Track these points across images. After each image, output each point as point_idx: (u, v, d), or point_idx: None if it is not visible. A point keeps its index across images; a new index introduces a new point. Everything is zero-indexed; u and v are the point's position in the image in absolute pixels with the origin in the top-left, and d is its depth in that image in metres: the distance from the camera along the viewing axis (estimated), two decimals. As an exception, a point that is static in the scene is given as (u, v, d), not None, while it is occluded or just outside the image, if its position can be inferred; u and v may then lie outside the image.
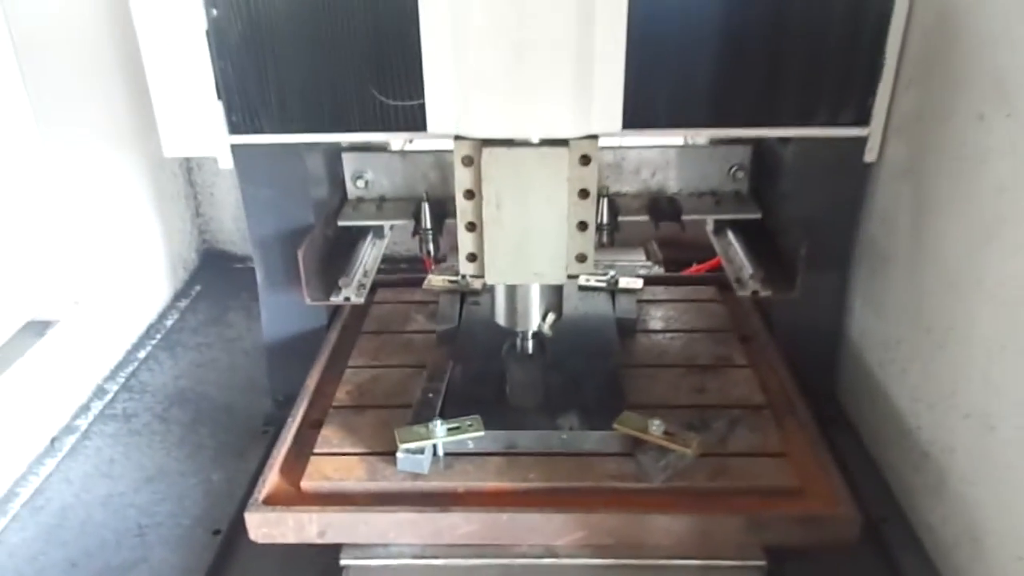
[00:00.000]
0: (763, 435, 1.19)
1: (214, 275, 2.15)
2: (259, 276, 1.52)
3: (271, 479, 1.14)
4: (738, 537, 1.06)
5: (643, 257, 2.08)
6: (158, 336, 1.86)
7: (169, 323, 1.92)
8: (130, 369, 1.73)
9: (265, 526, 1.09)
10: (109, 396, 1.64)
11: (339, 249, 1.54)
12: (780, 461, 1.14)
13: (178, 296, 2.03)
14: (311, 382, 1.37)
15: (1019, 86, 1.02)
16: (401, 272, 2.08)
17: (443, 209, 1.48)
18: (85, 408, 1.59)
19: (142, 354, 1.79)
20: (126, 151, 1.82)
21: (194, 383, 1.71)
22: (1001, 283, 1.05)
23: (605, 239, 1.46)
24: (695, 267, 2.08)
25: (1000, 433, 1.06)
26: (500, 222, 1.16)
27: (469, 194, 1.17)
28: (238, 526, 1.28)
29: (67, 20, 1.61)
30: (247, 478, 1.35)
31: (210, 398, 1.67)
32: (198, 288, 2.08)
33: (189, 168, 2.13)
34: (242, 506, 1.22)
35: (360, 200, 1.59)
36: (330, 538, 1.08)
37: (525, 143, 1.13)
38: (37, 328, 1.53)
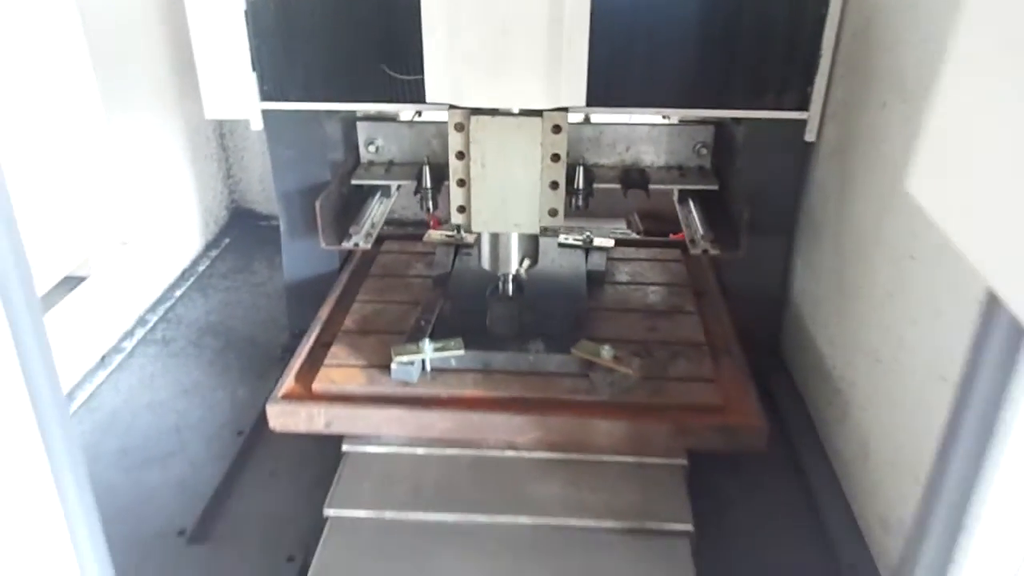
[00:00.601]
0: (698, 365, 1.43)
1: (241, 230, 2.39)
2: (282, 225, 1.76)
3: (288, 381, 1.39)
4: (666, 441, 1.29)
5: (624, 226, 2.30)
6: (192, 279, 2.11)
7: (201, 268, 2.17)
8: (168, 304, 1.98)
9: (282, 416, 1.34)
10: (150, 325, 1.89)
11: (352, 204, 1.78)
12: (709, 385, 1.38)
13: (209, 247, 2.28)
14: (323, 312, 1.61)
15: (914, 78, 1.24)
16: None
17: (442, 173, 1.71)
18: (129, 333, 1.85)
19: (178, 293, 2.04)
20: (169, 116, 2.06)
21: (223, 318, 1.97)
22: (893, 243, 1.27)
23: (580, 203, 1.70)
24: (671, 237, 2.30)
25: (884, 365, 1.28)
26: (485, 179, 1.39)
27: (460, 155, 1.40)
28: (258, 428, 1.53)
29: (126, 2, 1.85)
30: (266, 393, 1.60)
31: (236, 330, 1.92)
32: (227, 241, 2.33)
33: (222, 134, 2.36)
34: (262, 413, 1.48)
35: (371, 163, 1.82)
36: (334, 429, 1.33)
37: (507, 113, 1.36)
38: (92, 263, 1.78)
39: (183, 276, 2.11)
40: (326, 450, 1.38)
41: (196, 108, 2.17)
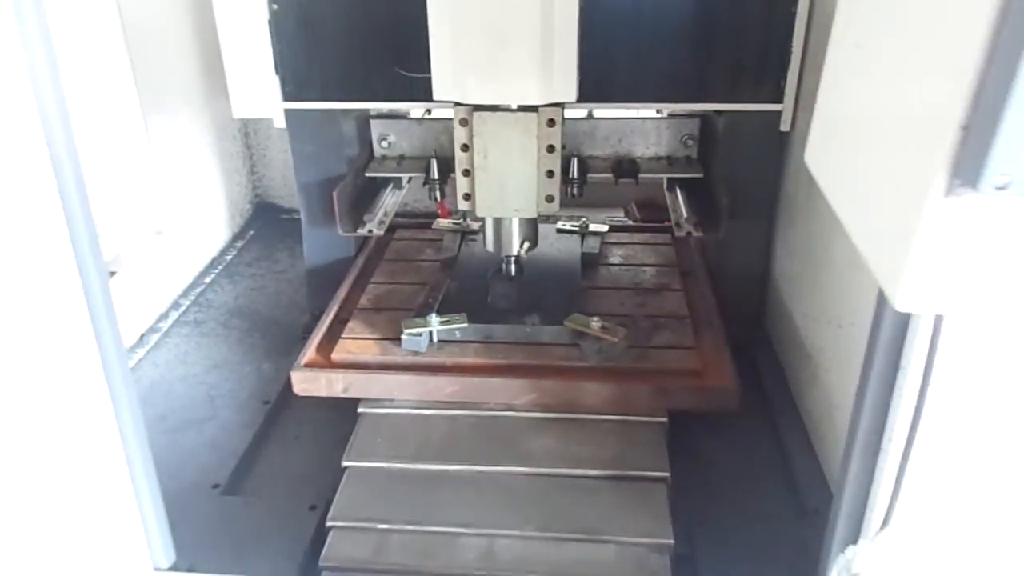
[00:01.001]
0: (680, 336, 1.57)
1: (264, 223, 2.56)
2: (302, 214, 1.92)
3: (309, 352, 1.55)
4: (648, 401, 1.44)
5: (622, 215, 2.45)
6: (220, 267, 2.28)
7: (228, 258, 2.34)
8: (199, 290, 2.15)
9: (304, 382, 1.50)
10: (183, 308, 2.06)
11: (366, 195, 1.93)
12: (689, 352, 1.52)
13: (235, 238, 2.45)
14: (341, 292, 1.77)
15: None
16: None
17: (449, 165, 1.86)
18: (164, 315, 2.02)
19: (208, 279, 2.21)
20: (198, 117, 2.23)
21: (249, 302, 2.13)
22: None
23: (575, 191, 1.85)
24: (666, 224, 2.44)
25: (844, 331, 1.41)
26: (487, 169, 1.53)
27: (464, 147, 1.54)
28: (283, 398, 1.69)
29: (161, 12, 2.02)
30: (289, 367, 1.75)
31: (261, 313, 2.08)
32: (251, 233, 2.50)
33: (246, 133, 2.53)
34: (286, 384, 1.64)
35: (384, 158, 1.97)
36: (351, 393, 1.49)
37: (506, 109, 1.48)
38: (124, 255, 1.95)
39: (212, 264, 2.28)
40: (343, 420, 1.52)
41: (223, 109, 2.35)
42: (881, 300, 0.81)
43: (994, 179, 0.51)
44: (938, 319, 0.70)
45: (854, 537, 0.93)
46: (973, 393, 0.78)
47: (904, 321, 0.74)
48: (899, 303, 0.62)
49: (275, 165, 2.59)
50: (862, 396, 0.83)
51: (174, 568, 1.16)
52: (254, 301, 2.14)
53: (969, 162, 0.52)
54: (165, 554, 1.15)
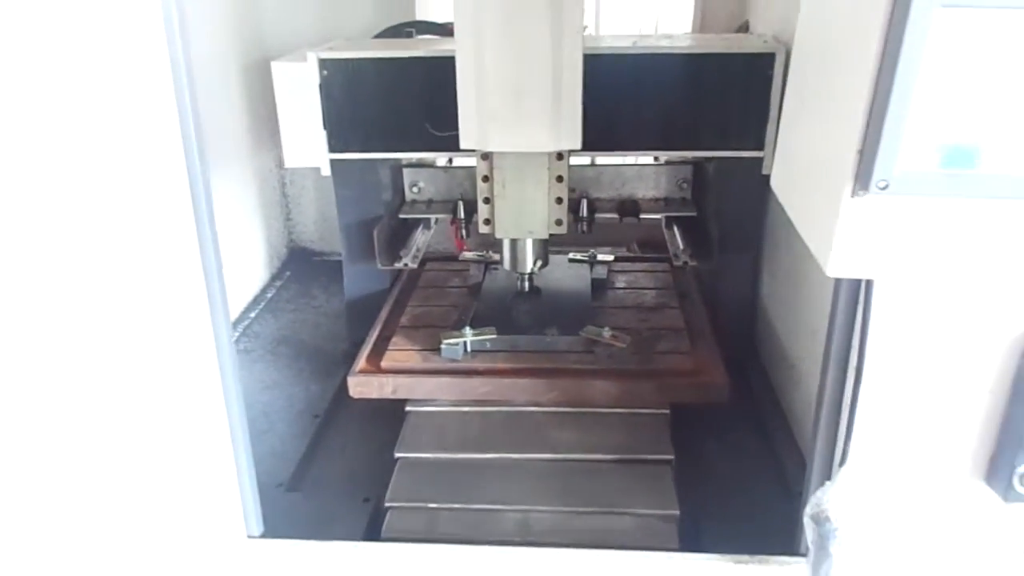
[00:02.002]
0: (678, 343, 1.82)
1: (299, 265, 2.81)
2: (344, 251, 2.16)
3: (361, 361, 1.80)
4: (652, 396, 1.68)
5: (625, 251, 2.72)
6: (262, 304, 2.53)
7: (269, 295, 2.59)
8: (246, 323, 2.40)
9: (359, 386, 1.74)
10: (234, 338, 2.31)
11: (400, 235, 2.20)
12: (685, 356, 1.77)
13: (274, 278, 2.70)
14: (382, 315, 2.02)
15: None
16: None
17: (472, 207, 2.13)
18: (219, 345, 2.26)
19: (253, 314, 2.46)
20: (245, 168, 2.51)
21: (292, 333, 2.37)
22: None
23: (585, 228, 2.12)
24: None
25: (819, 338, 1.66)
26: (505, 197, 1.76)
27: (485, 179, 1.77)
28: (331, 412, 1.92)
29: (216, 77, 2.31)
30: (334, 387, 1.99)
31: (304, 342, 2.32)
32: (288, 273, 2.76)
33: (284, 183, 2.81)
34: (334, 400, 1.89)
35: (414, 201, 2.23)
36: (399, 395, 1.73)
37: None
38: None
39: (255, 301, 2.53)
40: (386, 430, 1.72)
41: (265, 161, 2.65)
42: (837, 288, 1.08)
43: (878, 183, 0.77)
44: (868, 285, 0.96)
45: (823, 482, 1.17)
46: (900, 345, 1.03)
47: (853, 293, 1.00)
48: (830, 270, 0.88)
49: (308, 213, 2.86)
50: (827, 359, 1.08)
51: (264, 536, 1.39)
52: (297, 332, 2.38)
53: (862, 172, 0.78)
54: (257, 524, 1.38)
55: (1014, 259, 0.89)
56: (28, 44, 1.05)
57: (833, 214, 0.84)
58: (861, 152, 0.79)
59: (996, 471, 1.12)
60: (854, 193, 0.82)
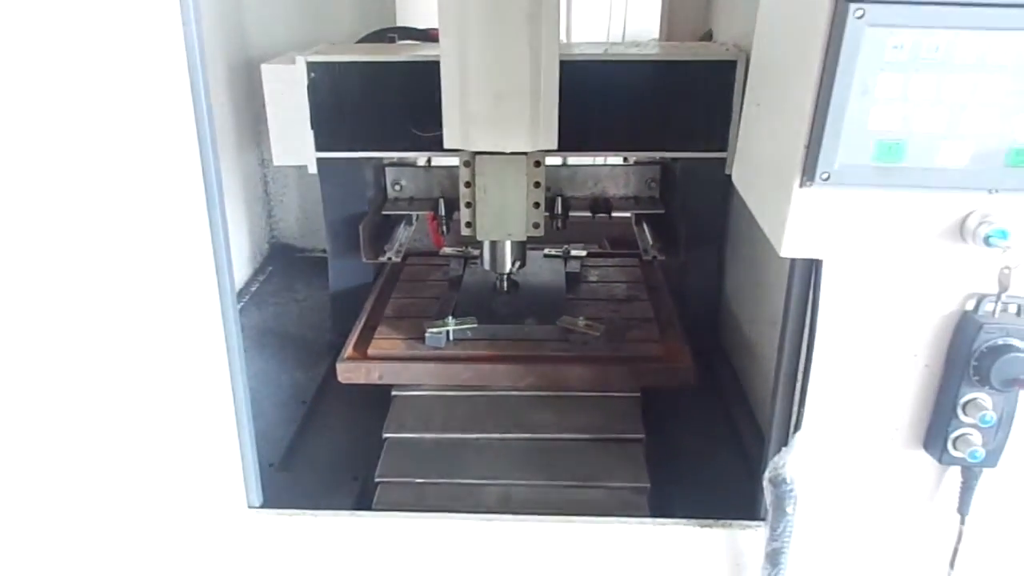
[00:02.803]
0: (647, 331, 1.94)
1: (281, 260, 2.88)
2: (328, 246, 2.23)
3: (349, 349, 1.89)
4: (624, 380, 1.80)
5: (597, 248, 2.84)
6: (247, 297, 2.61)
7: (253, 289, 2.66)
8: (232, 316, 2.48)
9: (347, 372, 1.83)
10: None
11: (383, 230, 2.30)
12: (655, 343, 1.89)
13: (257, 273, 2.77)
14: (367, 306, 2.12)
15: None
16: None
17: (452, 206, 2.23)
18: (206, 336, 2.33)
19: (239, 306, 2.53)
20: (230, 166, 2.58)
21: (276, 324, 2.45)
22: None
23: (559, 224, 2.23)
24: (634, 257, 2.83)
25: (777, 325, 1.79)
26: (486, 201, 1.85)
27: (467, 184, 1.87)
28: (318, 398, 2.01)
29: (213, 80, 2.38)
30: (320, 376, 2.09)
31: (289, 333, 2.40)
32: (270, 268, 2.83)
33: (266, 181, 2.89)
34: (321, 387, 1.98)
35: (396, 199, 2.33)
36: (385, 380, 1.82)
37: (501, 153, 1.81)
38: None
39: (240, 294, 2.61)
40: (370, 416, 1.81)
41: (250, 159, 2.72)
42: (792, 271, 1.20)
43: (821, 175, 0.90)
44: (817, 264, 1.09)
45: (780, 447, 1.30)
46: (846, 321, 1.16)
47: (805, 275, 1.13)
48: (783, 251, 1.01)
49: (291, 210, 2.93)
50: (783, 335, 1.21)
51: (263, 507, 1.48)
52: (281, 323, 2.46)
53: (809, 166, 0.91)
54: (257, 496, 1.47)
55: (942, 243, 1.02)
56: (47, 43, 1.14)
57: (785, 202, 0.97)
58: (807, 148, 0.91)
59: (932, 437, 1.26)
60: (802, 184, 0.94)
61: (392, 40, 2.37)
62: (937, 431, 1.24)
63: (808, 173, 0.92)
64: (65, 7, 1.12)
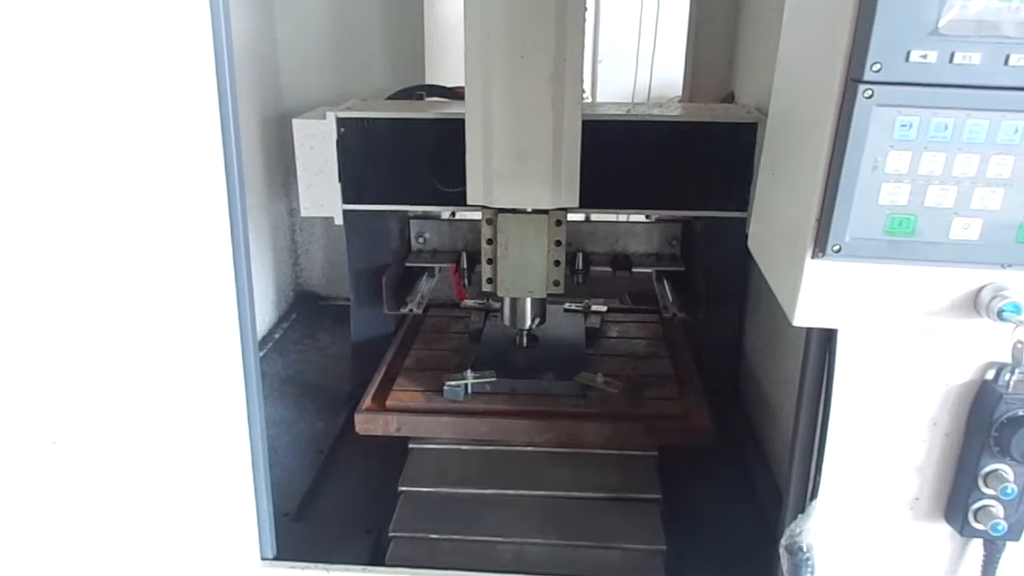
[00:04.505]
0: (666, 389, 1.94)
1: (306, 308, 2.93)
2: (352, 296, 2.28)
3: (367, 400, 1.90)
4: (641, 438, 1.79)
5: (617, 303, 2.85)
6: (270, 344, 2.65)
7: (277, 336, 2.70)
8: (255, 363, 2.51)
9: (365, 423, 1.84)
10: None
11: (406, 282, 2.33)
12: (673, 402, 1.89)
13: (281, 320, 2.82)
14: (387, 357, 2.14)
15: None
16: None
17: (475, 258, 2.25)
18: (229, 383, 2.37)
19: (261, 353, 2.57)
20: (260, 215, 2.65)
21: (298, 373, 2.48)
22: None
23: (580, 280, 2.25)
24: (655, 312, 2.83)
25: (796, 385, 1.78)
26: (507, 258, 1.88)
27: (489, 241, 1.89)
28: (335, 449, 2.02)
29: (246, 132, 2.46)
30: (339, 426, 2.10)
31: (310, 382, 2.43)
32: (294, 316, 2.88)
33: (294, 230, 2.95)
34: (338, 437, 2.00)
35: (420, 251, 2.36)
36: (403, 432, 1.83)
37: (523, 211, 1.83)
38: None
39: (264, 341, 2.65)
40: (387, 467, 1.82)
41: (279, 208, 2.79)
42: (808, 339, 1.21)
43: (832, 247, 0.91)
44: (833, 334, 1.09)
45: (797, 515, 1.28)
46: (864, 389, 1.16)
47: (823, 342, 1.13)
48: (796, 321, 1.02)
49: (316, 259, 2.99)
50: (800, 401, 1.21)
51: (276, 559, 1.48)
52: (302, 372, 2.49)
53: (820, 238, 0.92)
54: (270, 548, 1.47)
55: (956, 315, 1.02)
56: (86, 93, 1.20)
57: (797, 273, 0.98)
58: (819, 220, 0.93)
59: (953, 508, 1.24)
60: (814, 255, 0.95)
61: (421, 97, 2.44)
62: (958, 502, 1.22)
63: (820, 245, 0.94)
64: (103, 56, 1.18)
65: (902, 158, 0.88)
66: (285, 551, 1.54)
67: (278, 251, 2.82)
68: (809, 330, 1.18)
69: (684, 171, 1.98)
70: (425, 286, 2.31)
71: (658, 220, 2.34)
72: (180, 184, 1.25)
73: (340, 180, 2.07)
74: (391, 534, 1.60)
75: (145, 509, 1.45)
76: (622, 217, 2.50)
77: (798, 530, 1.26)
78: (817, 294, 1.00)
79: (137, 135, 1.22)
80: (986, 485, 1.18)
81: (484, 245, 1.92)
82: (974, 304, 0.99)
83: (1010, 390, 1.07)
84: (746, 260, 2.15)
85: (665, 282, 2.31)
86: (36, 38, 1.16)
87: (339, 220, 2.15)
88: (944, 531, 1.26)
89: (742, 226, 1.99)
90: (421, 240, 2.36)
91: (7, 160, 1.23)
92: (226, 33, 1.19)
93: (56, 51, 1.17)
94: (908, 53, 0.86)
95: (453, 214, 2.36)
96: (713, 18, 2.48)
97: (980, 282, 0.98)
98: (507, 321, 2.06)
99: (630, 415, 1.83)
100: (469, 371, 1.90)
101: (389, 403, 1.88)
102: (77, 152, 1.23)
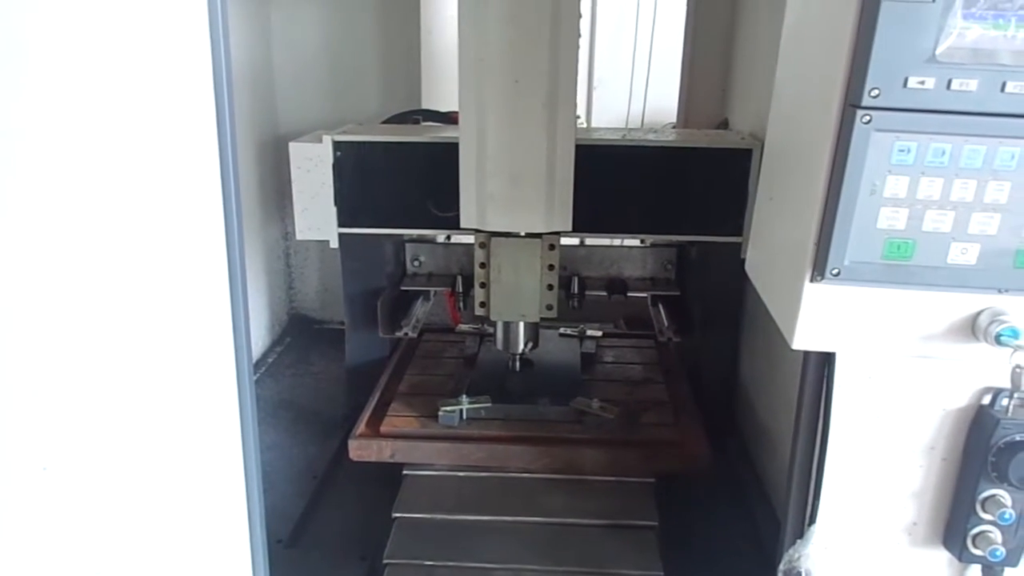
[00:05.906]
0: (662, 415, 1.93)
1: (300, 332, 2.92)
2: (346, 320, 2.27)
3: (361, 426, 1.89)
4: (638, 465, 1.78)
5: (612, 327, 2.85)
6: (264, 368, 2.63)
7: (270, 360, 2.69)
8: (248, 387, 2.49)
9: (359, 449, 1.83)
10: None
11: (400, 305, 2.32)
12: (670, 427, 1.88)
13: (275, 344, 2.80)
14: (381, 382, 2.12)
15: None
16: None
17: (470, 282, 2.25)
18: (222, 407, 2.35)
19: (255, 377, 2.55)
20: (254, 239, 2.65)
21: (292, 397, 2.46)
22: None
23: (576, 304, 2.25)
24: (650, 336, 2.83)
25: (793, 409, 1.77)
26: (500, 282, 1.87)
27: (482, 265, 1.88)
28: (330, 473, 2.00)
29: (243, 155, 2.47)
30: (333, 450, 2.08)
31: (304, 406, 2.41)
32: (288, 340, 2.86)
33: (288, 254, 2.95)
34: (332, 461, 1.97)
35: (415, 274, 2.36)
36: (397, 458, 1.81)
37: (516, 235, 1.81)
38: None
39: (257, 365, 2.63)
40: (381, 492, 1.80)
41: (274, 232, 2.78)
42: (805, 363, 1.20)
43: (831, 271, 0.91)
44: (831, 355, 1.09)
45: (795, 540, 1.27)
46: (861, 414, 1.16)
47: (820, 367, 1.13)
48: (794, 344, 1.02)
49: (311, 283, 2.98)
50: (797, 426, 1.20)
51: (268, 588, 1.46)
52: (296, 396, 2.48)
53: (819, 261, 0.93)
54: (264, 574, 1.45)
55: (954, 339, 1.03)
56: (81, 111, 1.19)
57: (796, 296, 0.98)
58: (817, 244, 0.93)
59: (951, 534, 1.23)
60: (812, 279, 0.96)
61: (416, 122, 2.45)
62: (956, 527, 1.21)
63: (818, 269, 0.94)
64: (101, 79, 1.17)
65: (900, 183, 0.89)
66: (279, 576, 1.51)
67: (272, 274, 2.82)
68: (807, 354, 1.18)
69: (679, 196, 1.99)
70: (420, 310, 2.30)
71: (653, 245, 2.35)
72: (177, 207, 1.24)
73: (336, 203, 2.06)
74: (386, 561, 1.58)
75: (137, 534, 1.42)
76: (617, 241, 2.51)
77: (796, 555, 1.24)
78: (816, 317, 1.00)
79: (135, 158, 1.21)
80: (984, 510, 1.17)
81: (477, 269, 1.92)
82: (972, 329, 0.99)
83: (1008, 415, 1.07)
84: (741, 284, 2.17)
85: (660, 306, 2.31)
86: (35, 59, 1.16)
87: (335, 243, 2.15)
88: (942, 557, 1.25)
89: (737, 251, 2.00)
90: (416, 263, 2.36)
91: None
92: (225, 58, 1.19)
93: (55, 73, 1.17)
94: (906, 79, 0.87)
95: (449, 238, 2.37)
96: (708, 45, 2.51)
97: (978, 307, 0.98)
98: (500, 345, 2.05)
99: (626, 441, 1.82)
100: (464, 396, 1.89)
101: (383, 429, 1.87)
102: (74, 173, 1.22)
